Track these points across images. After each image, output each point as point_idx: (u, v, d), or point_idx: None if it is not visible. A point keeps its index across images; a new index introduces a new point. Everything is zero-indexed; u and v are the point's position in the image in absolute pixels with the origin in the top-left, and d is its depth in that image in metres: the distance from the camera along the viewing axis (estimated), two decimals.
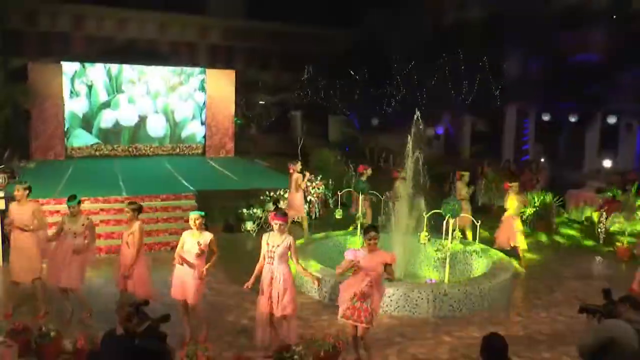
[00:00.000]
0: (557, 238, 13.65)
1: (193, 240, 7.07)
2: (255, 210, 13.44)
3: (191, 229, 7.13)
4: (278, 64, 37.24)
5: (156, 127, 21.49)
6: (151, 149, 21.54)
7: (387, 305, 8.40)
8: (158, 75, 21.29)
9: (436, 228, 9.67)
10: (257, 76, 32.19)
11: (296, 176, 12.58)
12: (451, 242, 9.09)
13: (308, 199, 14.89)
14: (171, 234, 11.97)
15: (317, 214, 15.00)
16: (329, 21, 33.95)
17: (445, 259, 9.05)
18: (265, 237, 6.84)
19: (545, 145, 23.09)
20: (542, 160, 19.04)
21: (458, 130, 26.35)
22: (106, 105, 20.60)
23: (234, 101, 22.72)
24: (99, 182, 14.92)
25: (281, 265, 6.69)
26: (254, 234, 12.96)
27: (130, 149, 21.19)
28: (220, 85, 22.24)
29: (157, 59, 23.89)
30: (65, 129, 20.06)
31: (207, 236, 7.11)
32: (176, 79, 21.61)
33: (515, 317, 8.57)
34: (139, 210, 7.77)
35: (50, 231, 8.66)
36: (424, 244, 9.28)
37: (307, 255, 9.85)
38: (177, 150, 21.95)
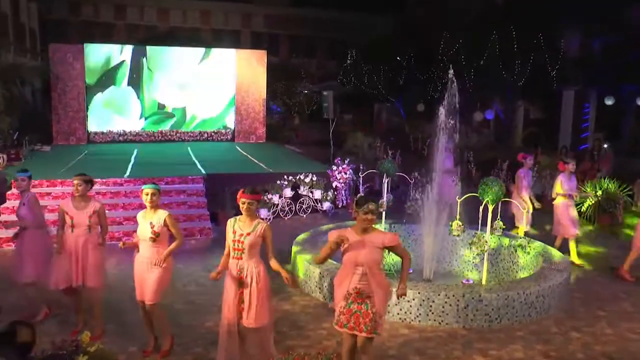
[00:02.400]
0: (624, 233, 11.57)
1: (145, 222, 5.55)
2: (270, 196, 11.87)
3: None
4: (320, 51, 36.19)
5: (182, 109, 20.59)
6: (177, 135, 20.42)
7: (405, 312, 6.69)
8: (184, 61, 20.50)
9: None
10: (298, 63, 31.14)
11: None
12: (491, 235, 7.31)
13: (333, 185, 13.30)
14: None
15: (344, 201, 13.36)
16: (371, 6, 32.74)
17: (483, 255, 7.31)
18: (230, 223, 5.17)
19: (607, 132, 20.71)
20: (606, 146, 16.80)
21: (510, 115, 24.06)
22: (136, 88, 20.09)
23: (265, 84, 21.18)
24: (107, 165, 13.74)
25: (252, 260, 5.05)
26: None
27: (155, 135, 20.18)
28: (250, 67, 20.79)
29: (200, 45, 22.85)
30: (96, 111, 19.70)
31: (161, 215, 5.56)
32: (202, 64, 20.62)
33: (572, 333, 6.62)
34: (92, 184, 6.30)
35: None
36: (458, 235, 7.49)
37: (318, 248, 8.39)
38: (205, 135, 20.72)
